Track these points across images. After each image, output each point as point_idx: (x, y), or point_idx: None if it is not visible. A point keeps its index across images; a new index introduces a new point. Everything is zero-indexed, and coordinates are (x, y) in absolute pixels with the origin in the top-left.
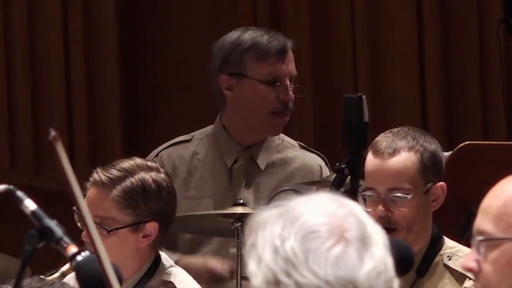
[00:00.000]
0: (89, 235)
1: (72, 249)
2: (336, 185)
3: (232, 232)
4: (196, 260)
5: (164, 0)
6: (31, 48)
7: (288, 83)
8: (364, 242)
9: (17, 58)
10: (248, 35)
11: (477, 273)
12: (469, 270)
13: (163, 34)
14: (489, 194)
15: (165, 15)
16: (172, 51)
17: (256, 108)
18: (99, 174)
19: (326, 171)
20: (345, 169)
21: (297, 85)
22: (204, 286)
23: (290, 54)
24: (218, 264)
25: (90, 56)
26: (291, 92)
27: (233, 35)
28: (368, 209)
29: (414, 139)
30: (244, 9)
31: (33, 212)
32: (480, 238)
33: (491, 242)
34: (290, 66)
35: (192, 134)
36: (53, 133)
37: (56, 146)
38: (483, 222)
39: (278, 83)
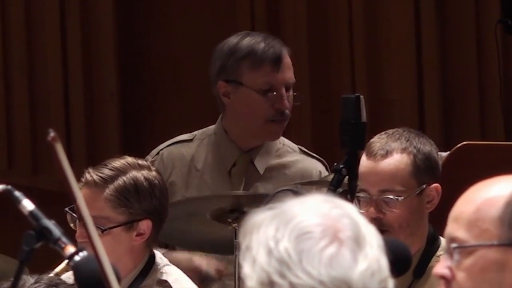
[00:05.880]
0: (88, 234)
1: (70, 249)
2: (334, 185)
3: (230, 239)
4: (181, 256)
5: (162, 1)
6: (29, 49)
7: (284, 92)
8: (358, 242)
9: (15, 59)
10: (246, 42)
11: (450, 280)
12: (442, 277)
13: (161, 34)
14: (459, 200)
15: (162, 16)
16: (170, 52)
17: (252, 116)
18: (91, 174)
19: None
20: (343, 169)
21: (295, 93)
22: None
23: (287, 62)
24: (203, 263)
25: (87, 57)
26: (286, 101)
27: (232, 41)
28: (362, 211)
29: (407, 140)
30: (242, 10)
31: (31, 213)
32: (453, 245)
33: (465, 249)
34: (287, 74)
35: (193, 133)
36: (52, 133)
37: (55, 146)
38: (455, 229)
39: (274, 92)
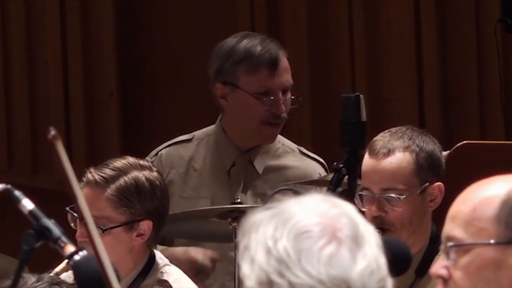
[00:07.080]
0: (89, 233)
1: (70, 248)
2: (333, 185)
3: (229, 235)
4: (178, 250)
5: (162, 0)
6: (29, 48)
7: (280, 96)
8: (356, 241)
9: (15, 58)
10: (243, 45)
11: (447, 279)
12: (439, 277)
13: (161, 33)
14: (457, 199)
15: (163, 15)
16: (170, 51)
17: (247, 118)
18: (92, 174)
19: None
20: (343, 168)
21: (293, 97)
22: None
23: (284, 65)
24: (199, 254)
25: (88, 56)
26: (282, 106)
27: (230, 42)
28: (364, 209)
29: (410, 139)
30: (242, 9)
31: (31, 212)
32: (450, 244)
33: (462, 247)
34: (283, 78)
35: (192, 134)
36: (52, 132)
37: (56, 145)
38: (452, 228)
39: (271, 97)
